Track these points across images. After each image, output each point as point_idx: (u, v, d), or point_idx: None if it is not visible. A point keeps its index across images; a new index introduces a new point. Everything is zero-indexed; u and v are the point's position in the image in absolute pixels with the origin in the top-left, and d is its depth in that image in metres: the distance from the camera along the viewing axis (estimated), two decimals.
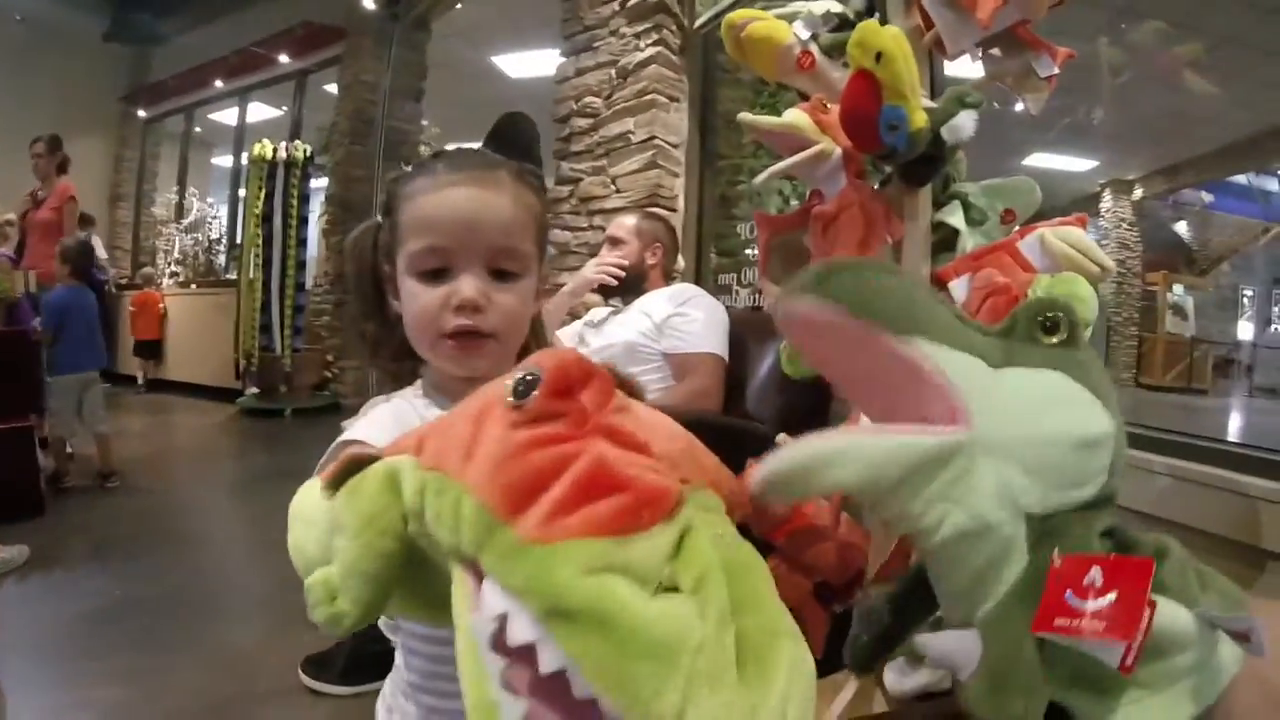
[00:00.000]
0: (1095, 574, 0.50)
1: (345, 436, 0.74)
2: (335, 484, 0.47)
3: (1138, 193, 9.36)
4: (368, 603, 0.45)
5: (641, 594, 0.34)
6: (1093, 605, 0.49)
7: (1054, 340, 0.59)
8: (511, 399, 0.41)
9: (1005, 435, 0.54)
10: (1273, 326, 9.83)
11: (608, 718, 0.33)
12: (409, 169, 0.83)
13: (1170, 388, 8.65)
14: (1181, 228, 10.28)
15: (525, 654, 0.34)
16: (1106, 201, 9.32)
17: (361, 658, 1.91)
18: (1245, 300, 10.07)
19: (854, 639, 0.76)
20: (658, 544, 0.36)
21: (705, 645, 0.33)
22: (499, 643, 0.35)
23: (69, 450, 3.76)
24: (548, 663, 0.33)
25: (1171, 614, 0.52)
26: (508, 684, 0.34)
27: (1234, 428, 6.86)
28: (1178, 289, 9.55)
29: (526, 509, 0.36)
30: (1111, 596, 0.49)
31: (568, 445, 0.39)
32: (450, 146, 0.86)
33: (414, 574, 0.47)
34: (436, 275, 0.75)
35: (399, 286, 0.80)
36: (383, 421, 0.77)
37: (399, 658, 0.81)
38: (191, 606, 2.40)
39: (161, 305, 7.41)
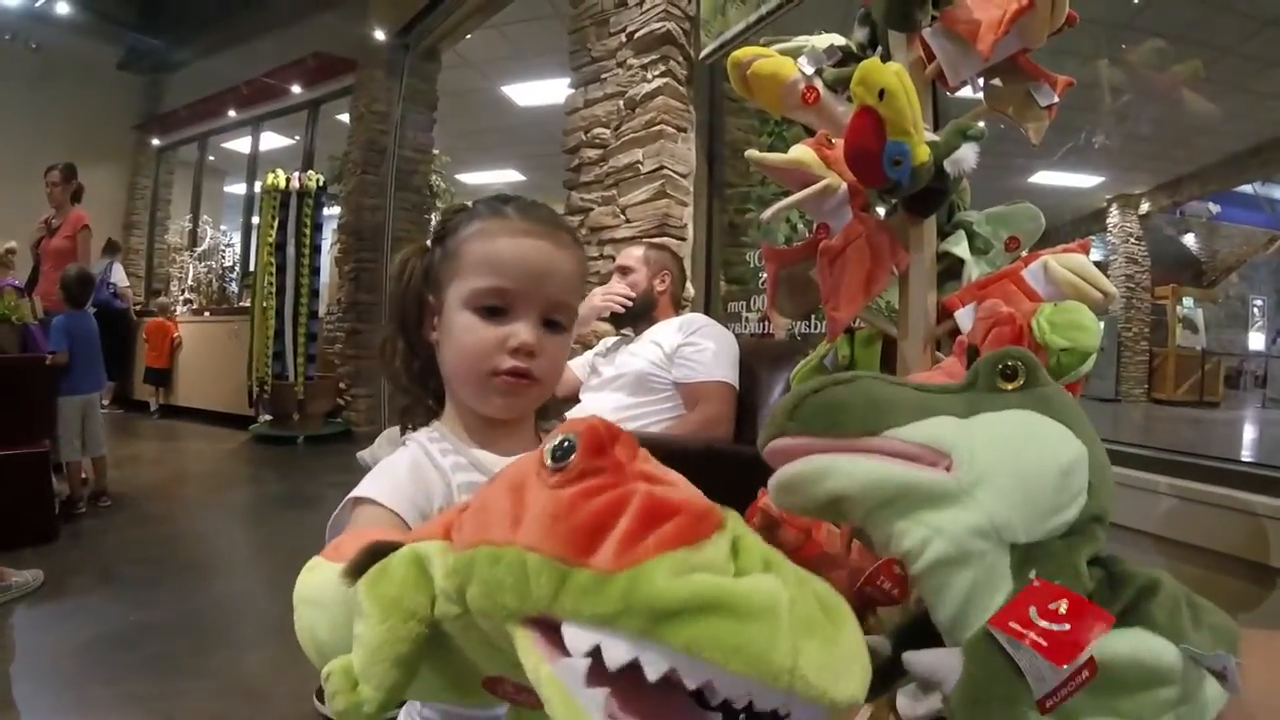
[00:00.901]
0: (1063, 604, 0.53)
1: (358, 493, 0.75)
2: (355, 572, 0.48)
3: (1144, 207, 9.34)
4: (391, 687, 0.45)
5: (728, 578, 0.37)
6: (1046, 625, 0.52)
7: (1012, 386, 0.63)
8: (551, 463, 0.43)
9: (987, 475, 0.57)
10: None
11: (721, 695, 0.36)
12: (472, 205, 0.85)
13: (1182, 402, 8.60)
14: (1189, 240, 10.24)
15: (626, 675, 0.36)
16: (1113, 217, 9.31)
17: None
18: (1255, 311, 10.01)
19: None
20: (720, 546, 0.39)
21: (794, 600, 0.36)
22: (594, 677, 0.37)
23: (84, 476, 3.79)
24: (655, 668, 0.35)
25: (1158, 649, 0.54)
26: (611, 713, 0.36)
27: (1250, 443, 6.79)
28: (1187, 302, 9.50)
29: (596, 549, 0.38)
30: (1066, 626, 0.52)
31: (617, 490, 0.41)
32: (504, 193, 0.89)
33: (435, 658, 0.48)
34: (493, 313, 0.78)
35: (445, 315, 0.82)
36: (397, 475, 0.78)
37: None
38: (205, 632, 2.41)
39: (175, 335, 7.47)
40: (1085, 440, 0.61)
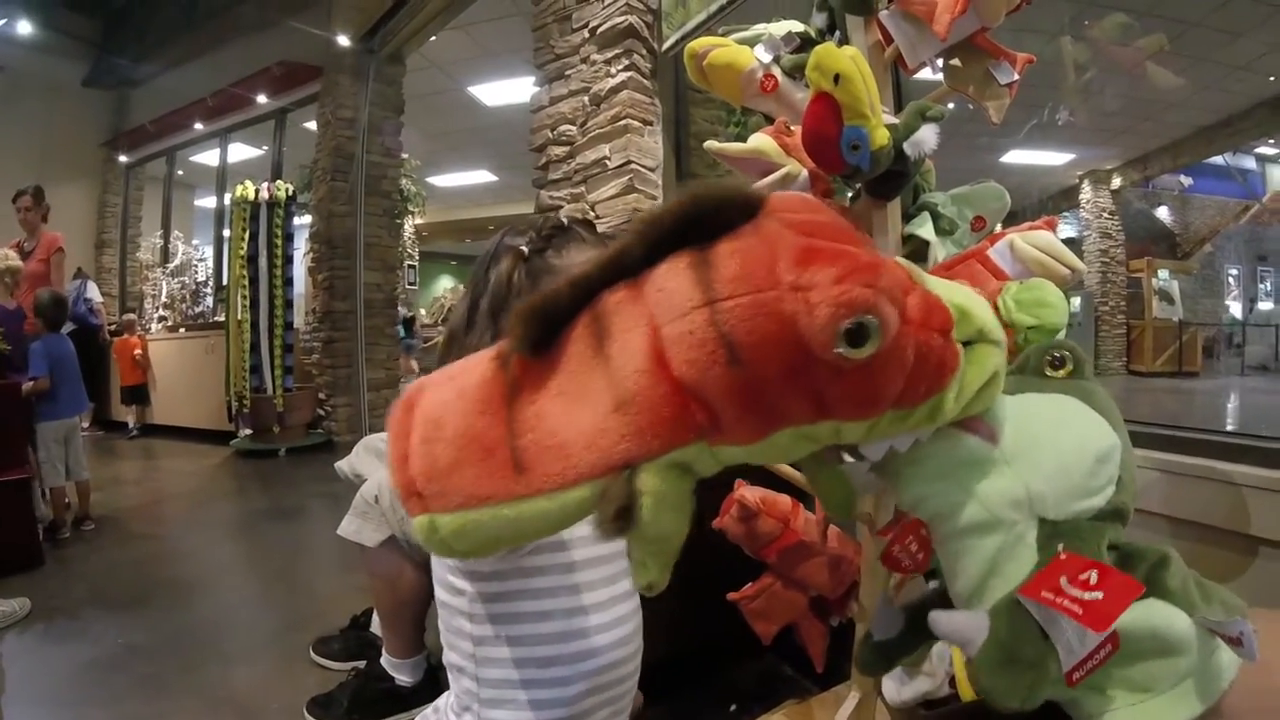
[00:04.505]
0: (1092, 574, 0.53)
1: None
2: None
3: (1116, 182, 9.43)
4: None
5: None
6: (1079, 594, 0.52)
7: (1061, 373, 0.67)
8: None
9: (1028, 447, 0.59)
10: (1259, 304, 9.89)
11: None
12: (568, 225, 0.89)
13: (1161, 373, 8.70)
14: (1162, 213, 10.35)
15: None
16: (1086, 192, 9.40)
17: (365, 696, 1.91)
18: (1230, 280, 10.13)
19: (864, 639, 0.77)
20: None
21: None
22: None
23: (67, 501, 3.75)
24: None
25: (1172, 617, 0.56)
26: None
27: (1232, 411, 6.86)
28: (1162, 274, 9.60)
29: None
30: (1099, 595, 0.51)
31: None
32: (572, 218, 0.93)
33: None
34: None
35: None
36: None
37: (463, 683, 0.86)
38: (195, 651, 2.39)
39: (137, 352, 7.38)
40: (1120, 437, 0.64)
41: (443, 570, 0.82)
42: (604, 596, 0.89)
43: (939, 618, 0.61)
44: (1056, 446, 0.60)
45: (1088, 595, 0.51)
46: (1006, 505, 0.57)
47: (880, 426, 0.48)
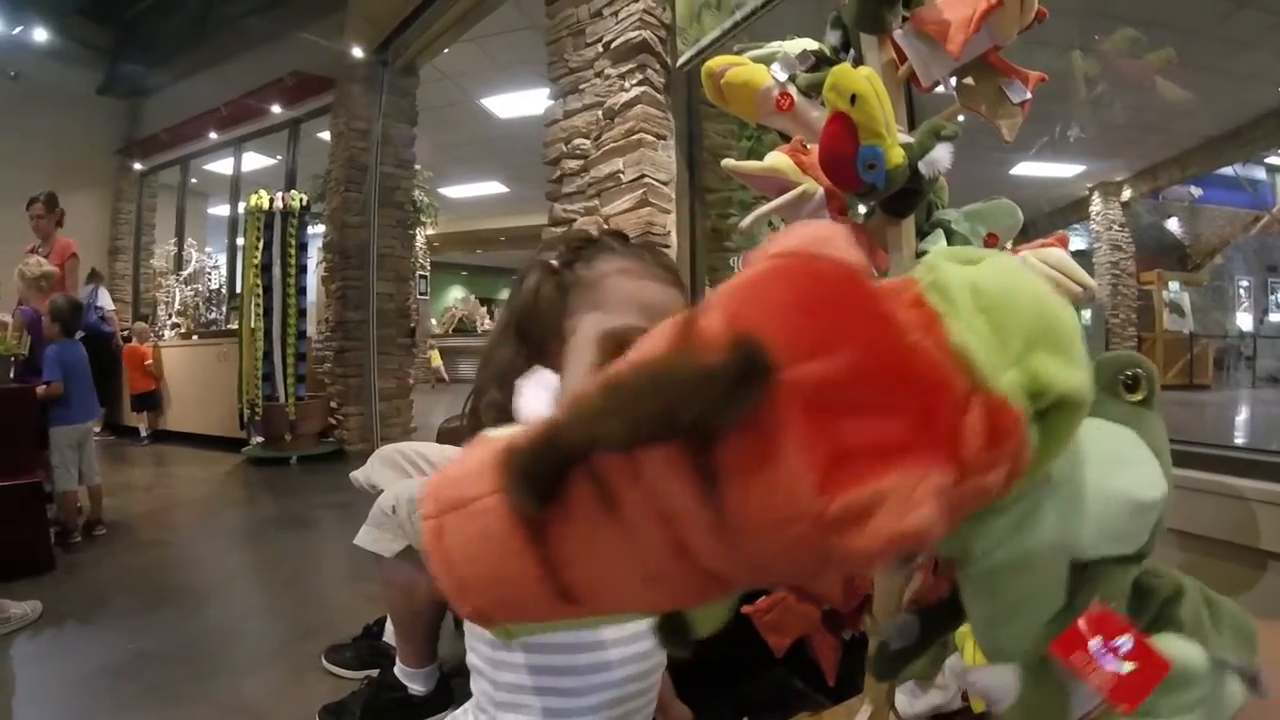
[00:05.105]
0: (1127, 641, 0.53)
1: None
2: None
3: (1126, 193, 9.41)
4: None
5: None
6: (1113, 665, 0.52)
7: (1134, 399, 0.62)
8: None
9: (1077, 484, 0.55)
10: (1271, 315, 9.84)
11: None
12: (599, 237, 0.90)
13: (1173, 385, 8.66)
14: (1173, 224, 10.32)
15: None
16: (1096, 204, 9.38)
17: (378, 705, 1.91)
18: (1241, 291, 10.09)
19: (880, 648, 0.77)
20: None
21: None
22: None
23: (80, 505, 3.77)
24: None
25: (1186, 652, 0.55)
26: None
27: (1243, 424, 6.82)
28: (1173, 286, 9.58)
29: None
30: (1131, 667, 0.52)
31: None
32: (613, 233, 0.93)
33: None
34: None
35: (577, 339, 0.84)
36: None
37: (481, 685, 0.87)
38: (206, 658, 2.39)
39: (148, 361, 7.42)
40: (1168, 479, 0.60)
41: None
42: None
43: (973, 676, 0.60)
44: (1106, 488, 0.56)
45: (1120, 667, 0.52)
46: (1044, 548, 0.54)
47: None
